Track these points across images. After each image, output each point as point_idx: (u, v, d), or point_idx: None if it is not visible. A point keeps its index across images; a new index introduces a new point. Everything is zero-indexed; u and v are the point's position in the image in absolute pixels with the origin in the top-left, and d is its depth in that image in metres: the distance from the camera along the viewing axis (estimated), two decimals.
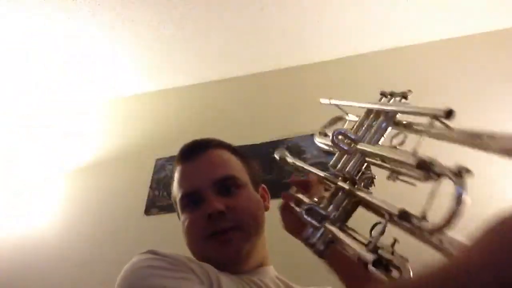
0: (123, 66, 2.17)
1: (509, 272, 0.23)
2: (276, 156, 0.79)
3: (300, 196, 0.68)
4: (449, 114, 0.43)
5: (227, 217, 0.68)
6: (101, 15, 1.82)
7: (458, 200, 0.35)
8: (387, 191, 0.56)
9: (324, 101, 0.71)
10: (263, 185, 0.84)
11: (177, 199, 0.75)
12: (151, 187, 1.91)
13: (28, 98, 2.32)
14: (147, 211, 1.82)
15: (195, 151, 0.77)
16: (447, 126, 0.45)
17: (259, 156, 1.82)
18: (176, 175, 0.77)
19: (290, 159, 0.77)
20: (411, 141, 0.47)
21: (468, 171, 0.36)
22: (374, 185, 0.56)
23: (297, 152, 1.82)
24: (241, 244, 0.68)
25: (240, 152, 0.83)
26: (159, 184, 1.90)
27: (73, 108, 2.40)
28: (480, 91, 1.79)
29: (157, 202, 1.84)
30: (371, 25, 2.00)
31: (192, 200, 0.72)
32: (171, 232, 1.59)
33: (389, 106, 0.59)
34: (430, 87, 1.85)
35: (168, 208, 1.78)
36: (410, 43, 2.10)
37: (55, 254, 1.81)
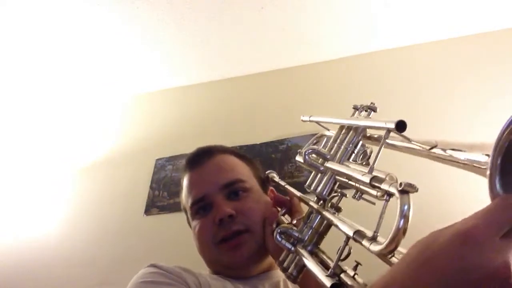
0: (122, 67, 2.17)
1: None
2: (266, 173, 0.84)
3: (282, 217, 0.69)
4: (400, 126, 0.42)
5: (237, 220, 0.69)
6: (102, 16, 1.82)
7: (401, 218, 0.35)
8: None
9: (304, 118, 0.72)
10: (271, 188, 0.85)
11: (187, 207, 0.77)
12: (151, 187, 1.90)
13: (28, 99, 2.32)
14: (147, 211, 1.82)
15: (201, 158, 0.79)
16: (404, 137, 0.44)
17: (259, 156, 1.82)
18: (185, 183, 0.79)
19: (276, 179, 0.81)
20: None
21: (412, 187, 0.36)
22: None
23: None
24: (252, 247, 0.69)
25: (245, 156, 0.85)
26: (159, 184, 1.90)
27: (72, 109, 2.40)
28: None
29: (157, 202, 1.84)
30: (371, 25, 2.00)
31: (201, 206, 0.73)
32: (171, 232, 1.60)
33: (349, 120, 0.58)
34: (431, 86, 1.85)
35: (168, 208, 1.78)
36: (410, 43, 2.09)
37: (55, 253, 1.81)
